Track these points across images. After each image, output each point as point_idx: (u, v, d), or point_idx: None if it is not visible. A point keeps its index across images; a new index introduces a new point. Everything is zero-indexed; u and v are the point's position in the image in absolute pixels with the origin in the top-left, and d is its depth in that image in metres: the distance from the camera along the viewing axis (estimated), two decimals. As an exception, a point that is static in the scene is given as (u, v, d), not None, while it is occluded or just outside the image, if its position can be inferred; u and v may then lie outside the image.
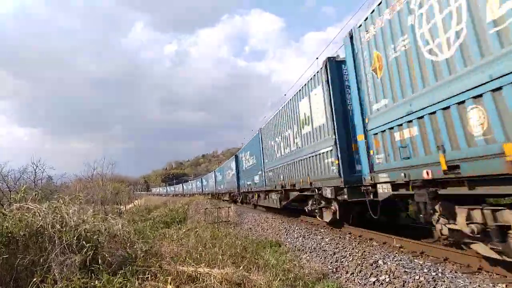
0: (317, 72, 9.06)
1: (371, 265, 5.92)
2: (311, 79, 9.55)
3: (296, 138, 11.18)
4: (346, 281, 5.79)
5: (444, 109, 4.49)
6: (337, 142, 8.09)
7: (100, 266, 4.43)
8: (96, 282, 3.94)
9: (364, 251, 6.68)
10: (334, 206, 9.06)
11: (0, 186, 19.57)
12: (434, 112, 4.70)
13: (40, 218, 4.73)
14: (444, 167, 4.45)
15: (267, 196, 16.63)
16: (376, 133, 6.42)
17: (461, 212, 4.71)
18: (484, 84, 3.77)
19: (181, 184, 76.99)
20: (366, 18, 6.55)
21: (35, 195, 5.74)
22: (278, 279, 4.64)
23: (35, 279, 3.69)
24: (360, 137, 7.04)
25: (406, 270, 5.25)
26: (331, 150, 8.34)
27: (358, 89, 7.12)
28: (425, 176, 4.93)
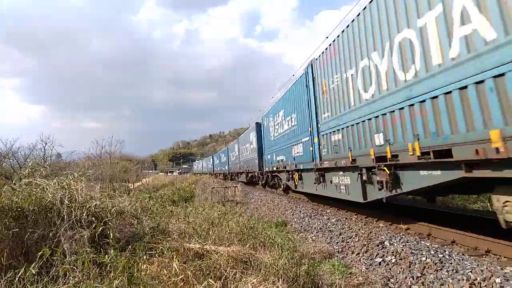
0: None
1: (377, 246, 5.92)
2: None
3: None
4: (351, 261, 5.82)
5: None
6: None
7: (109, 241, 4.48)
8: (106, 256, 3.98)
9: (370, 232, 6.67)
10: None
11: (10, 163, 19.94)
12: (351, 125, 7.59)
13: (49, 194, 4.76)
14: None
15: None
16: (324, 134, 9.22)
17: None
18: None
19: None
20: (319, 55, 9.42)
21: (43, 171, 5.77)
22: (284, 257, 4.65)
23: (41, 253, 3.73)
24: (315, 139, 9.96)
25: (412, 251, 5.24)
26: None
27: (315, 102, 9.85)
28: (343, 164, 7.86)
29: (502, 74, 3.74)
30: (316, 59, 9.69)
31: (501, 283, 3.79)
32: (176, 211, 8.19)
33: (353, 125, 7.44)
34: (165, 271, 3.83)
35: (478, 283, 3.95)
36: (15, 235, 4.26)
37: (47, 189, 4.87)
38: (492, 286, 3.81)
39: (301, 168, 11.25)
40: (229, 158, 35.02)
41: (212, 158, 54.25)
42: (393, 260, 5.24)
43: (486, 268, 4.21)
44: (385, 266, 5.21)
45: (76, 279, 3.52)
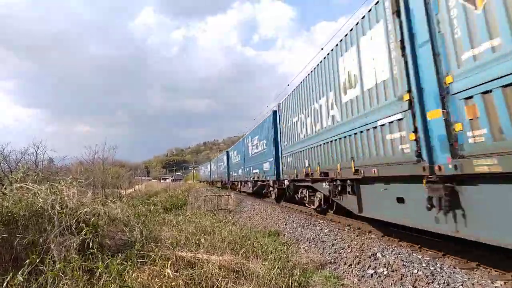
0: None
1: (370, 257, 5.92)
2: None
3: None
4: (343, 272, 5.80)
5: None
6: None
7: (99, 249, 4.43)
8: (96, 264, 3.93)
9: (363, 243, 6.67)
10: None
11: (1, 167, 19.65)
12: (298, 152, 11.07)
13: (40, 199, 4.71)
14: (295, 175, 11.26)
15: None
16: (284, 156, 13.01)
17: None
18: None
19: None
20: (280, 103, 13.42)
21: (35, 176, 5.71)
22: (277, 267, 4.64)
23: (28, 261, 3.68)
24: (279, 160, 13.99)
25: (404, 263, 5.24)
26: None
27: (280, 134, 13.67)
28: (294, 177, 11.43)
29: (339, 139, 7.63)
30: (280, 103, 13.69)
31: (491, 296, 3.81)
32: (168, 219, 8.13)
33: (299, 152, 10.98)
34: (156, 279, 3.79)
35: (469, 296, 3.97)
36: (5, 241, 4.20)
37: (38, 194, 4.82)
38: (483, 299, 3.82)
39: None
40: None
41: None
42: (385, 272, 5.24)
43: (477, 282, 4.24)
44: (377, 278, 5.21)
45: (65, 286, 3.48)
